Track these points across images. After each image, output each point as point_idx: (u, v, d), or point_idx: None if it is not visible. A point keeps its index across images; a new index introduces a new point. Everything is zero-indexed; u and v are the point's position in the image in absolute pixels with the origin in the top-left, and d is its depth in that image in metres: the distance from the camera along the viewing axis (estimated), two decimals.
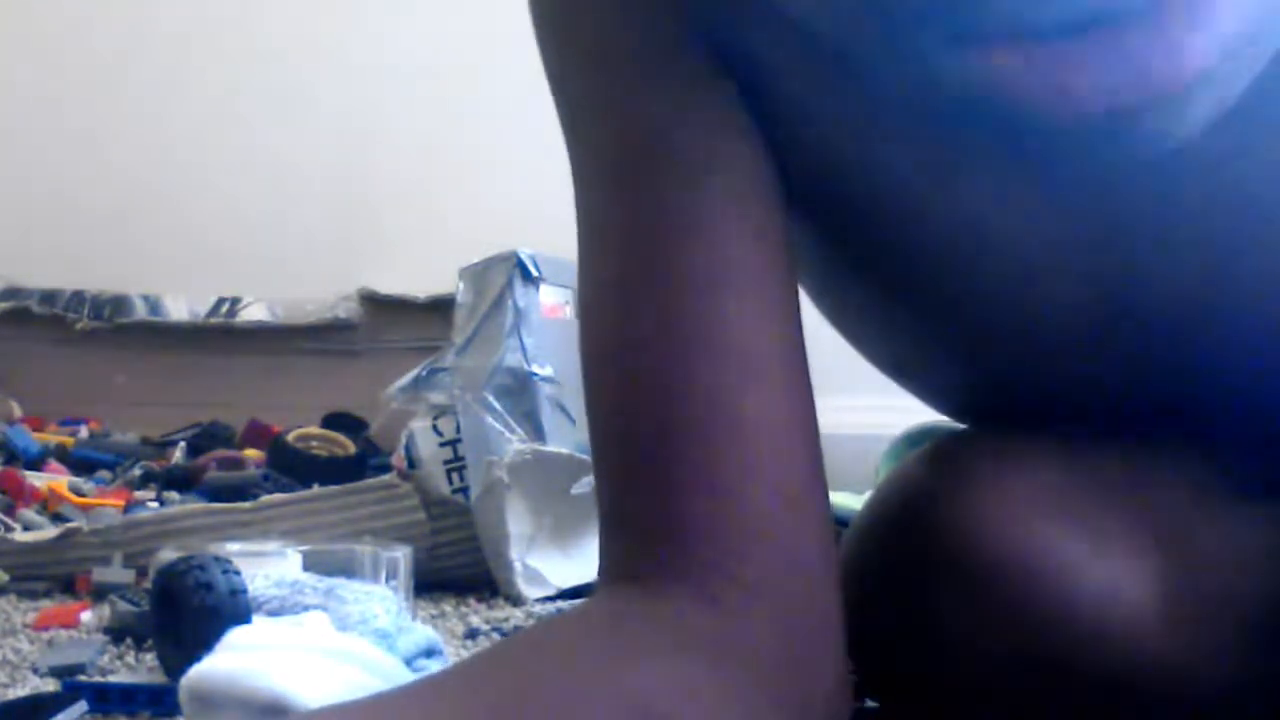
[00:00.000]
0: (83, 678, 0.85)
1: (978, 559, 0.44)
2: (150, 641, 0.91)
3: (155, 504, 1.40)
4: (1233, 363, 0.43)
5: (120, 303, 2.01)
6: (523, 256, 1.47)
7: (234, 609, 0.83)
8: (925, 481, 0.49)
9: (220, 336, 2.00)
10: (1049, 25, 0.26)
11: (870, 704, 0.57)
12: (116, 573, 1.13)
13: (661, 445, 0.42)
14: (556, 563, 1.20)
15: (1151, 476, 0.45)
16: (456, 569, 1.20)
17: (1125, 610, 0.41)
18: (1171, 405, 0.46)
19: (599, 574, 0.46)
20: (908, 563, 0.47)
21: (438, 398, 1.32)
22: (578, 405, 1.49)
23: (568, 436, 1.41)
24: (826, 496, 0.44)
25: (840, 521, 0.48)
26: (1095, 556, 0.42)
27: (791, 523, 0.42)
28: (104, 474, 1.60)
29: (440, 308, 1.76)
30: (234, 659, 0.71)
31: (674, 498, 0.42)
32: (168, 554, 0.96)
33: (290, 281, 2.00)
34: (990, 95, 0.27)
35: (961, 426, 0.60)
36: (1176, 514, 0.43)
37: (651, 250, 0.43)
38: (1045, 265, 0.43)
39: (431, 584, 1.14)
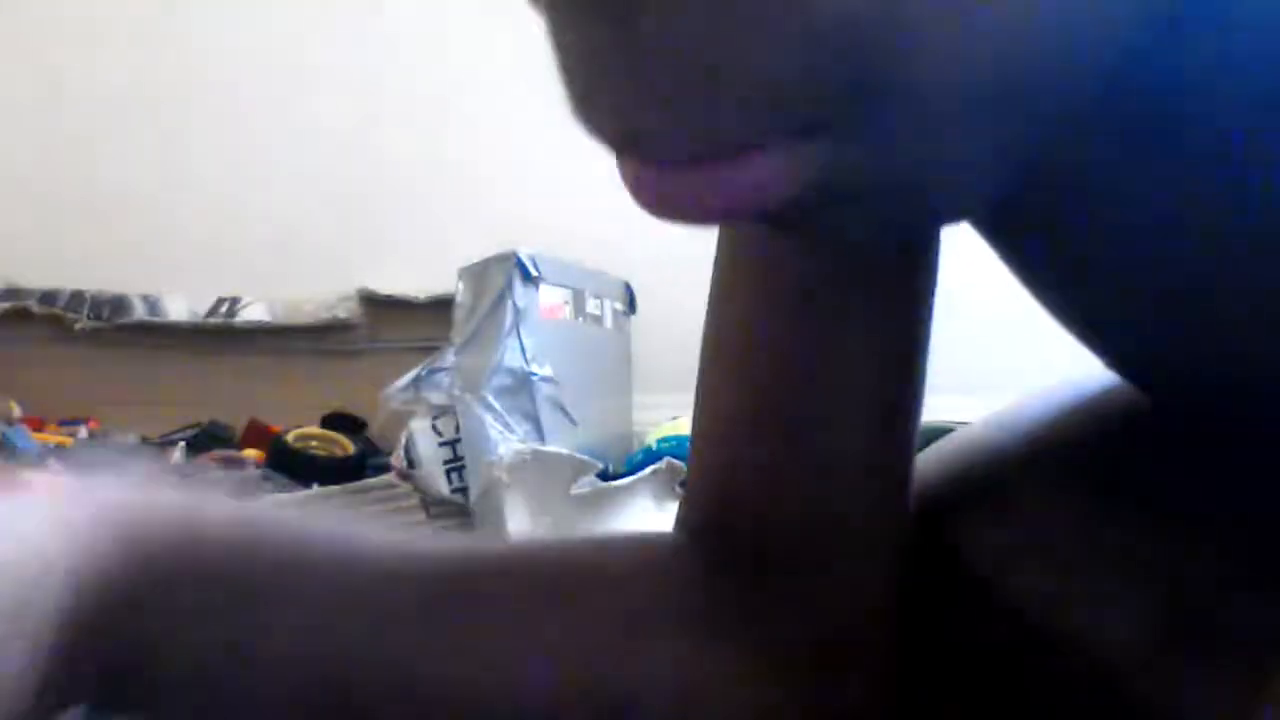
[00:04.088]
0: None
1: (996, 583, 0.43)
2: None
3: None
4: None
5: (120, 303, 2.01)
6: (522, 256, 1.47)
7: None
8: (938, 496, 0.48)
9: (220, 336, 2.00)
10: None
11: None
12: None
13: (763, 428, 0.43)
14: None
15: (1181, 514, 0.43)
16: None
17: (1134, 646, 0.40)
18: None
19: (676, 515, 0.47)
20: (919, 580, 0.46)
21: (438, 398, 1.32)
22: (578, 405, 1.49)
23: (567, 436, 1.41)
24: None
25: None
26: (1117, 590, 0.41)
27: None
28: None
29: (440, 308, 1.76)
30: None
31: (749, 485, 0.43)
32: None
33: (290, 281, 2.00)
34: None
35: (968, 426, 0.59)
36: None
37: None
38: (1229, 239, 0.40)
39: None
